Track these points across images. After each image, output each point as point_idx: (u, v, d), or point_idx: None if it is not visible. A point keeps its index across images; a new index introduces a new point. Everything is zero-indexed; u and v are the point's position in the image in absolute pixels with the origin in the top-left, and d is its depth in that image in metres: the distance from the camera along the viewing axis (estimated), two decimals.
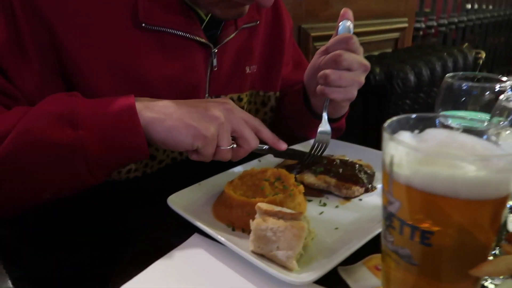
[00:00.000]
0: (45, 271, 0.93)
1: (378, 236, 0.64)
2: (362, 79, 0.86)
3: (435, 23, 3.59)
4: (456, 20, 4.01)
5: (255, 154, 0.84)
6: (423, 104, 2.09)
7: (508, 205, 0.43)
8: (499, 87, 0.67)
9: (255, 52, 1.02)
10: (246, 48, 0.99)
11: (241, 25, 0.95)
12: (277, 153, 0.85)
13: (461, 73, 0.70)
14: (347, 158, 0.92)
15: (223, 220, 0.72)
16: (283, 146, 0.81)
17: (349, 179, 0.82)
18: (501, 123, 0.56)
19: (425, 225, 0.41)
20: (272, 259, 0.60)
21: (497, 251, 0.57)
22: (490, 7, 4.71)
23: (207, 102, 0.73)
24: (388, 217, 0.44)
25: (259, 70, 1.04)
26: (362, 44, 0.88)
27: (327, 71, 0.84)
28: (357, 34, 0.89)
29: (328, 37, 0.91)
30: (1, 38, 0.70)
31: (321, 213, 0.76)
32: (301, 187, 0.76)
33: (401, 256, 0.44)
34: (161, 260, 0.64)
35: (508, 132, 0.45)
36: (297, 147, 0.97)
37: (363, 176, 0.84)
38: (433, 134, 0.46)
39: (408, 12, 2.79)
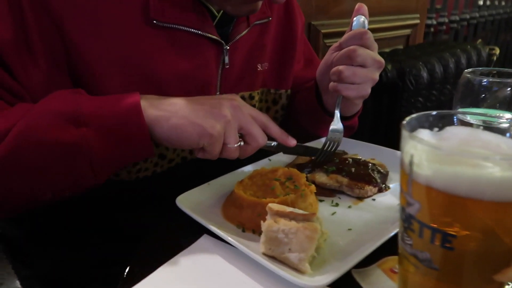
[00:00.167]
0: (53, 271, 0.93)
1: (392, 238, 0.62)
2: (376, 76, 0.84)
3: (446, 20, 3.54)
4: (468, 16, 3.94)
5: (264, 152, 0.82)
6: (435, 101, 2.06)
7: None
8: None
9: (267, 49, 1.01)
10: (258, 45, 0.98)
11: (253, 21, 0.93)
12: (286, 149, 0.83)
13: (481, 68, 0.68)
14: (360, 157, 0.90)
15: (233, 221, 0.71)
16: (292, 142, 0.79)
17: (362, 179, 0.80)
18: None
19: (447, 228, 0.39)
20: (283, 262, 0.58)
21: None
22: (503, 3, 4.64)
23: (213, 99, 0.72)
24: (407, 219, 0.43)
25: (271, 67, 1.03)
26: None
27: (341, 67, 0.82)
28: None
29: (338, 34, 0.89)
30: (7, 35, 0.69)
31: (333, 213, 0.74)
32: (313, 187, 0.75)
33: (420, 260, 0.42)
34: (170, 262, 0.62)
35: None
36: (308, 145, 0.95)
37: (376, 175, 0.82)
38: (453, 132, 0.44)
39: (420, 8, 2.75)
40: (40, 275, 0.92)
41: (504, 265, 0.39)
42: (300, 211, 0.61)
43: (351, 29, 0.86)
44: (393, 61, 1.92)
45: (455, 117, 0.46)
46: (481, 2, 4.23)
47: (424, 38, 3.01)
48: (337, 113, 0.89)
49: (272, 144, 0.80)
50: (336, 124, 0.88)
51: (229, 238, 0.63)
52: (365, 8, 0.87)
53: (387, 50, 2.38)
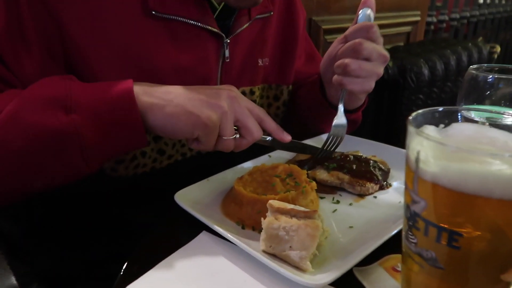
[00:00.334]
0: (51, 268, 0.92)
1: (394, 236, 0.61)
2: (381, 70, 0.83)
3: (447, 18, 3.52)
4: (468, 14, 3.93)
5: (264, 148, 0.80)
6: (436, 99, 2.05)
7: None
8: None
9: (268, 44, 0.99)
10: (259, 39, 0.96)
11: (254, 15, 0.92)
12: (281, 145, 0.82)
13: (485, 65, 0.67)
14: (361, 154, 0.89)
15: (233, 218, 0.70)
16: (287, 137, 0.77)
17: (363, 176, 0.79)
18: None
19: (454, 227, 0.38)
20: (284, 260, 0.57)
21: None
22: (503, 1, 4.62)
23: (210, 89, 0.70)
24: (412, 217, 0.42)
25: (272, 62, 1.01)
26: None
27: (347, 60, 0.80)
28: None
29: (339, 30, 0.88)
30: (0, 24, 0.68)
31: (334, 211, 0.73)
32: (314, 184, 0.73)
33: (425, 258, 0.41)
34: (168, 259, 0.61)
35: None
36: (310, 141, 0.94)
37: (377, 172, 0.81)
38: (460, 129, 0.43)
39: (421, 5, 2.74)
40: (37, 272, 0.91)
41: (511, 264, 0.39)
42: (301, 208, 0.60)
43: (356, 22, 0.85)
44: (394, 58, 1.91)
45: (459, 114, 0.45)
46: (481, 1, 4.21)
47: (424, 36, 3.00)
48: (340, 108, 0.87)
49: (267, 139, 0.79)
50: (340, 118, 0.87)
51: (228, 235, 0.62)
52: (372, 0, 0.86)
53: (387, 47, 2.37)
